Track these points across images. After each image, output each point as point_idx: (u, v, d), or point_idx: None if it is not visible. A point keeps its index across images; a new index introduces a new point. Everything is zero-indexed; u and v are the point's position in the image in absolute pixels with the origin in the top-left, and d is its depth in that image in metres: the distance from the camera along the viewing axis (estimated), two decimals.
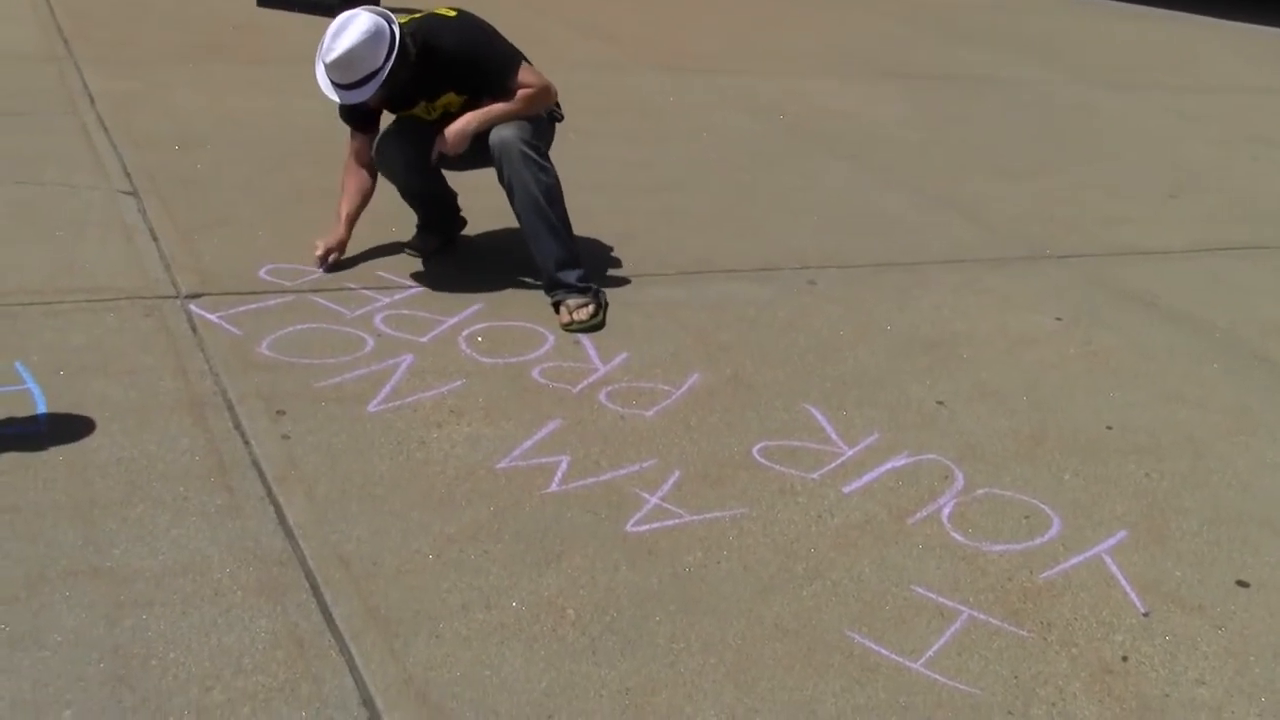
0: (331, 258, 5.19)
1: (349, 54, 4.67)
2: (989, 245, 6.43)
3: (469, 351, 4.60)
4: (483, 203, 5.57)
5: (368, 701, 2.87)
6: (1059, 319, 5.46)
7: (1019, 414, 4.56)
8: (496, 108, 4.98)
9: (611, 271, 5.49)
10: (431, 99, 5.08)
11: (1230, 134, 9.79)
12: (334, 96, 4.84)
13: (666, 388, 4.48)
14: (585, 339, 4.78)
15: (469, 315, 4.89)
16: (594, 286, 5.11)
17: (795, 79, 10.05)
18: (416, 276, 5.19)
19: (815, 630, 3.27)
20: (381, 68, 4.70)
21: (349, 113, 5.11)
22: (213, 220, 5.46)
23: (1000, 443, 4.34)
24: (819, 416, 4.38)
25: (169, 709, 2.79)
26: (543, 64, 5.19)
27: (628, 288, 5.33)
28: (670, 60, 10.24)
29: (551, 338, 4.77)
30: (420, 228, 5.60)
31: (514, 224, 5.14)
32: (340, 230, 5.23)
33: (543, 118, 5.16)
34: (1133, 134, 9.44)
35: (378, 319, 4.77)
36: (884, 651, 3.21)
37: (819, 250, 6.04)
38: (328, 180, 5.69)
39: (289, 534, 3.43)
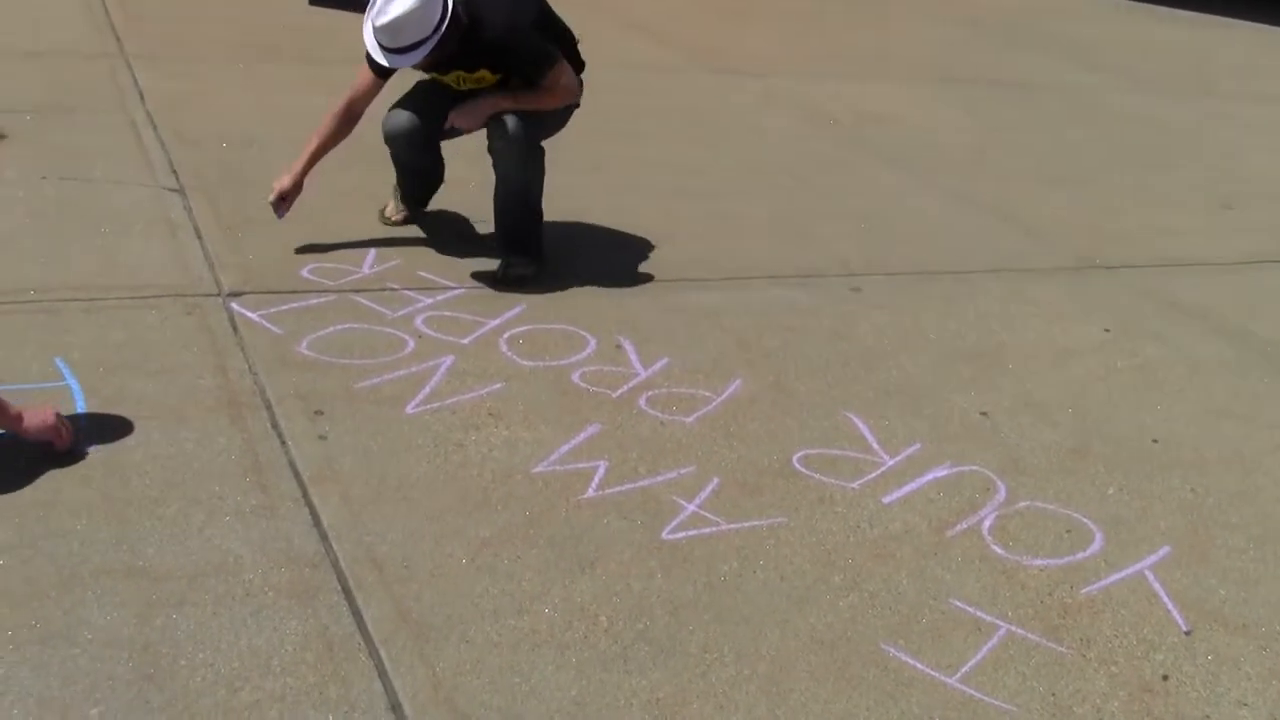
0: (286, 199, 5.22)
1: (402, 19, 4.74)
2: (1038, 254, 6.36)
3: (510, 354, 4.58)
4: None
5: (395, 706, 2.85)
6: (1107, 330, 5.39)
7: (1063, 426, 4.50)
8: (520, 96, 5.09)
9: (655, 275, 5.46)
10: (469, 70, 5.14)
11: None
12: (380, 59, 4.91)
13: (707, 394, 4.45)
14: (628, 344, 4.74)
15: (511, 317, 4.87)
16: (543, 256, 5.34)
17: (849, 83, 9.98)
18: (459, 277, 5.18)
19: (850, 642, 3.23)
20: (432, 35, 4.78)
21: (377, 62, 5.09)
22: (257, 219, 5.45)
23: (1044, 455, 4.29)
24: (860, 425, 4.34)
25: (196, 709, 2.78)
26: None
27: (671, 292, 5.30)
28: (724, 63, 10.19)
29: (593, 342, 4.74)
30: (399, 196, 5.74)
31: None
32: (298, 167, 5.24)
33: (557, 109, 5.26)
34: (1189, 143, 9.33)
35: (419, 320, 4.76)
36: (919, 665, 3.17)
37: (864, 257, 5.99)
38: (375, 182, 5.74)
39: (322, 535, 3.42)
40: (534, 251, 5.31)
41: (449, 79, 5.21)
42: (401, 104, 5.40)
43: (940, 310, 5.42)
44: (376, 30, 4.83)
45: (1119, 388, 4.87)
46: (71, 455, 3.62)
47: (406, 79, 5.36)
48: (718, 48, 10.82)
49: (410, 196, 5.75)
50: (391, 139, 5.45)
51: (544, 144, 5.27)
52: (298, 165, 5.24)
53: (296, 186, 5.24)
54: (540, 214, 5.35)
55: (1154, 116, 10.04)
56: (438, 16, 4.76)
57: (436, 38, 4.78)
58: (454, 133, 5.29)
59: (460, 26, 4.85)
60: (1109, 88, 10.99)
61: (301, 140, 5.29)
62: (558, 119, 5.35)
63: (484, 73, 5.13)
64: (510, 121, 5.06)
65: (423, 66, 5.06)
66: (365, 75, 5.18)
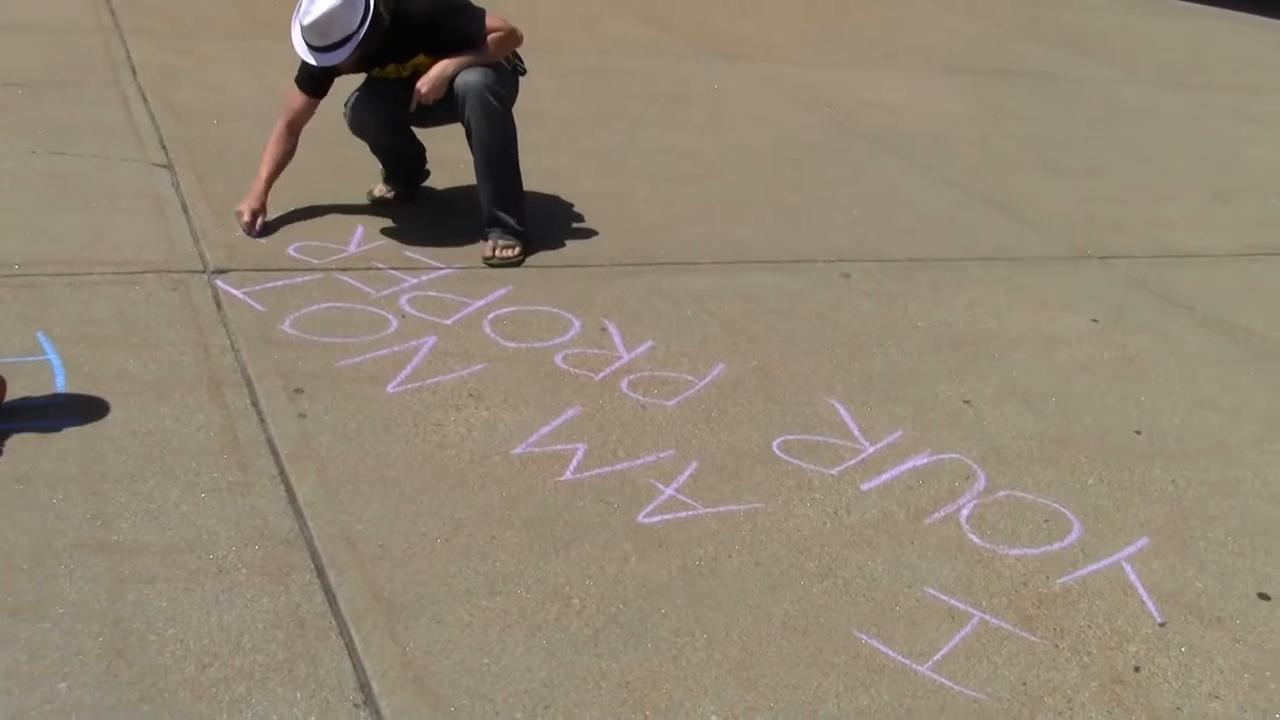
0: (259, 221, 5.26)
1: (326, 17, 4.84)
2: (1030, 244, 6.35)
3: (493, 335, 4.58)
4: None
5: (364, 685, 2.85)
6: (1095, 321, 5.38)
7: (1046, 416, 4.49)
8: (467, 57, 5.16)
9: (643, 259, 5.45)
10: (402, 61, 5.24)
11: None
12: (310, 59, 4.99)
13: (690, 378, 4.44)
14: (612, 326, 4.73)
15: (496, 299, 4.86)
16: (527, 233, 5.35)
17: (853, 71, 9.96)
18: (445, 258, 5.17)
19: (823, 629, 3.22)
20: (356, 31, 4.87)
21: (307, 75, 5.23)
22: (245, 196, 5.45)
23: (1025, 444, 4.28)
24: (842, 412, 4.33)
25: (164, 685, 2.78)
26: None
27: (659, 276, 5.29)
28: (726, 49, 10.16)
29: (578, 324, 4.73)
30: (385, 178, 5.78)
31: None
32: (259, 192, 5.30)
33: (507, 70, 5.34)
34: (1188, 135, 9.30)
35: (403, 300, 4.75)
36: (891, 653, 3.16)
37: (856, 244, 5.98)
38: (365, 161, 5.72)
39: (298, 513, 3.42)
40: (520, 213, 5.34)
41: (388, 71, 5.31)
42: (358, 94, 5.48)
43: (929, 298, 5.41)
44: (304, 30, 4.92)
45: (1104, 378, 4.85)
46: (47, 427, 3.61)
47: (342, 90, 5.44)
48: (719, 32, 10.79)
49: (395, 178, 5.76)
50: (358, 130, 5.55)
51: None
52: (258, 188, 5.31)
53: (262, 210, 5.30)
54: (516, 167, 5.40)
55: (1157, 108, 10.01)
56: (360, 12, 4.85)
57: (361, 33, 4.87)
58: (425, 116, 5.33)
59: (382, 21, 4.94)
60: (1114, 79, 10.95)
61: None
62: (512, 82, 5.41)
63: (420, 58, 5.22)
64: (473, 78, 5.14)
65: (353, 64, 5.15)
66: (297, 96, 5.30)
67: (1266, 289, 6.07)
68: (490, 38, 5.18)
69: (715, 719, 2.88)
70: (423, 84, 5.11)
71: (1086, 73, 11.11)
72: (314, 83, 5.25)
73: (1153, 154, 8.51)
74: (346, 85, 5.47)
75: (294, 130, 5.34)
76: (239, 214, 5.22)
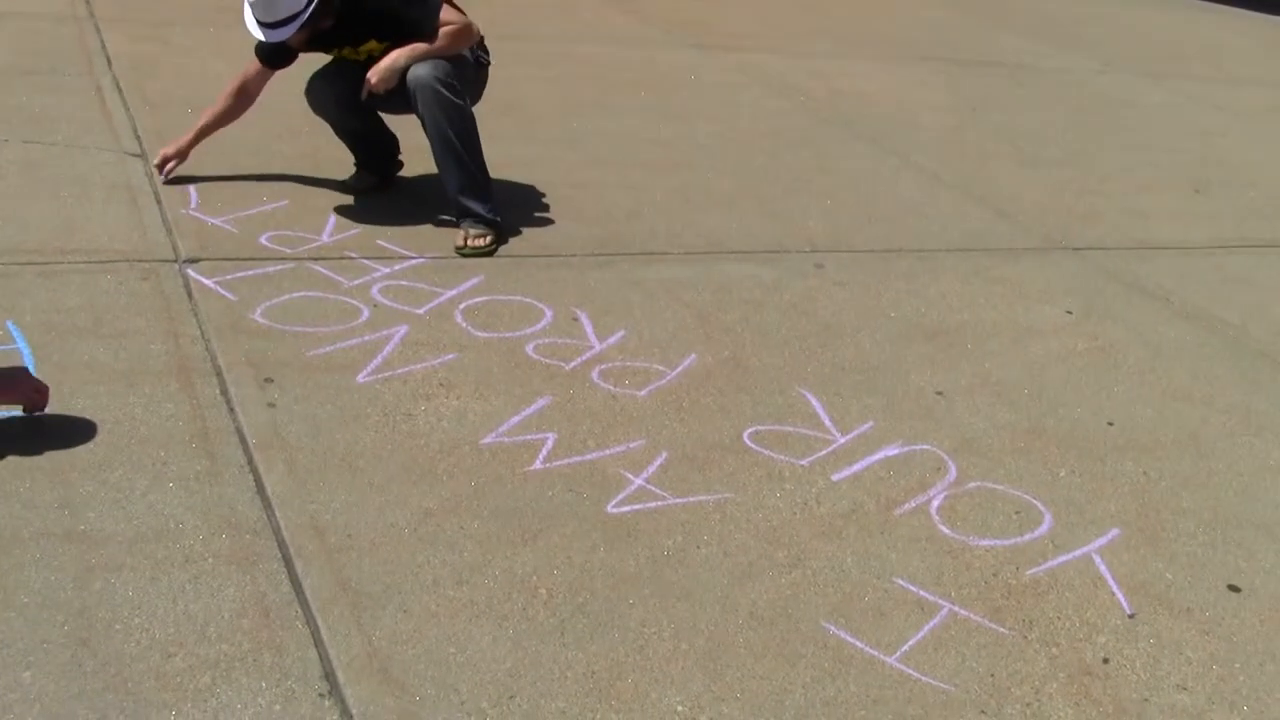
0: (169, 166, 5.39)
1: None
2: (1005, 235, 6.35)
3: (465, 325, 4.56)
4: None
5: (329, 674, 2.84)
6: (1069, 312, 5.38)
7: (1019, 407, 4.49)
8: (420, 46, 5.13)
9: (617, 249, 5.44)
10: (355, 45, 5.24)
11: (1264, 129, 9.64)
12: (258, 34, 5.01)
13: (661, 368, 4.43)
14: (584, 316, 4.72)
15: (468, 288, 4.85)
16: (499, 221, 5.33)
17: (830, 60, 9.95)
18: (418, 247, 5.16)
19: (790, 619, 3.22)
20: (302, 11, 4.89)
21: (266, 49, 5.25)
22: (218, 185, 5.44)
23: (997, 436, 4.28)
24: (814, 402, 4.33)
25: (128, 674, 2.76)
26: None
27: (632, 266, 5.28)
28: (703, 38, 10.14)
29: (550, 314, 4.72)
30: (357, 166, 5.77)
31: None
32: (185, 139, 5.44)
33: (466, 60, 5.32)
34: (1166, 126, 9.31)
35: (375, 289, 4.74)
36: (858, 644, 3.16)
37: (830, 233, 5.98)
38: (338, 150, 5.70)
39: (266, 503, 3.40)
40: (488, 201, 5.32)
41: (343, 53, 5.32)
42: (318, 74, 5.49)
43: (902, 288, 5.40)
44: (253, 5, 4.92)
45: (1078, 369, 4.85)
46: (14, 417, 3.60)
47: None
48: (697, 22, 10.77)
49: (367, 166, 5.75)
50: (317, 108, 5.56)
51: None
52: (185, 137, 5.43)
53: (181, 156, 5.41)
54: (478, 155, 5.37)
55: (1136, 99, 10.02)
56: None
57: (308, 13, 4.88)
58: (384, 102, 5.32)
59: (331, 2, 4.96)
60: (1091, 70, 10.96)
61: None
62: (472, 74, 5.40)
63: (371, 44, 5.21)
64: (423, 71, 5.12)
65: (302, 44, 5.16)
66: (254, 64, 5.35)
67: (1241, 280, 6.08)
68: (442, 30, 5.14)
69: (681, 709, 2.88)
70: (372, 74, 5.09)
71: (1065, 63, 11.12)
72: (270, 57, 5.30)
73: (1131, 145, 8.52)
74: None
75: (243, 92, 5.40)
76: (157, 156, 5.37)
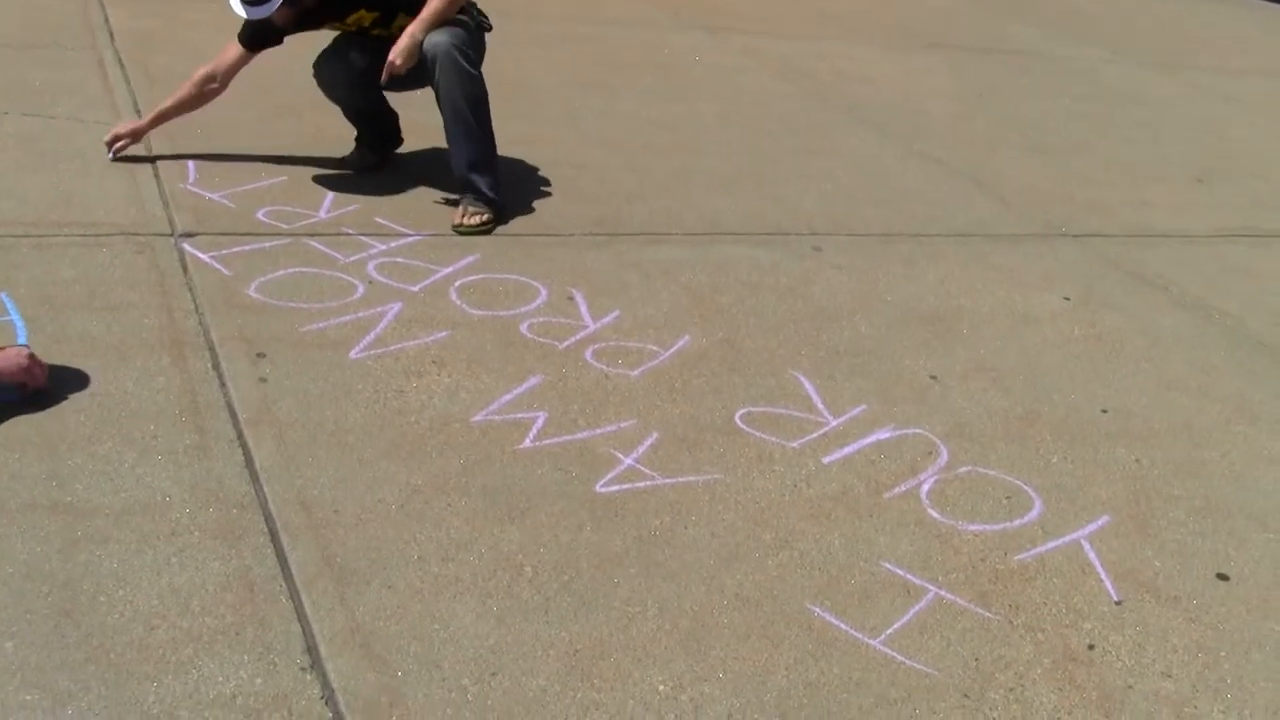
0: (120, 143, 5.35)
1: None
2: (1006, 221, 6.33)
3: (459, 302, 4.56)
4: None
5: (312, 649, 2.84)
6: (1067, 299, 5.36)
7: (1013, 393, 4.49)
8: (430, 10, 5.08)
9: (616, 229, 5.43)
10: (342, 18, 5.20)
11: (1272, 120, 9.60)
12: (240, 11, 4.98)
13: (655, 348, 4.43)
14: (579, 296, 4.72)
15: (464, 266, 4.84)
16: (499, 200, 5.30)
17: (835, 44, 9.90)
18: (415, 224, 5.15)
19: (776, 601, 3.22)
20: None
21: (249, 30, 5.16)
22: (217, 160, 5.44)
23: (990, 421, 4.27)
24: (807, 385, 4.32)
25: (110, 646, 2.77)
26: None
27: (630, 247, 5.27)
28: (708, 20, 10.11)
29: (545, 292, 4.71)
30: (358, 143, 5.73)
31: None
32: (143, 121, 5.42)
33: (472, 25, 5.26)
34: (1172, 115, 9.27)
35: (371, 266, 4.73)
36: (843, 626, 3.16)
37: (829, 217, 5.96)
38: (337, 127, 5.68)
39: (254, 477, 3.40)
40: (493, 178, 5.29)
41: (345, 26, 5.28)
42: (325, 53, 5.44)
43: (900, 273, 5.39)
44: None
45: (1074, 356, 4.84)
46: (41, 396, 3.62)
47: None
48: (705, 5, 10.71)
49: (369, 143, 5.72)
50: (326, 88, 5.50)
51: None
52: (144, 120, 5.41)
53: (134, 136, 5.37)
54: (489, 129, 5.35)
55: (1143, 88, 9.97)
56: None
57: None
58: (397, 84, 5.26)
59: None
60: (1100, 59, 10.90)
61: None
62: (479, 40, 5.34)
63: (360, 13, 5.18)
64: (441, 39, 5.08)
65: (288, 22, 5.09)
66: (233, 48, 5.25)
67: (1241, 270, 6.06)
68: None
69: (663, 688, 2.88)
70: (395, 54, 5.04)
71: (1072, 52, 11.06)
72: (254, 37, 5.19)
73: (1137, 134, 8.48)
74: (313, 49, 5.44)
75: (209, 79, 5.28)
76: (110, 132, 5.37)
